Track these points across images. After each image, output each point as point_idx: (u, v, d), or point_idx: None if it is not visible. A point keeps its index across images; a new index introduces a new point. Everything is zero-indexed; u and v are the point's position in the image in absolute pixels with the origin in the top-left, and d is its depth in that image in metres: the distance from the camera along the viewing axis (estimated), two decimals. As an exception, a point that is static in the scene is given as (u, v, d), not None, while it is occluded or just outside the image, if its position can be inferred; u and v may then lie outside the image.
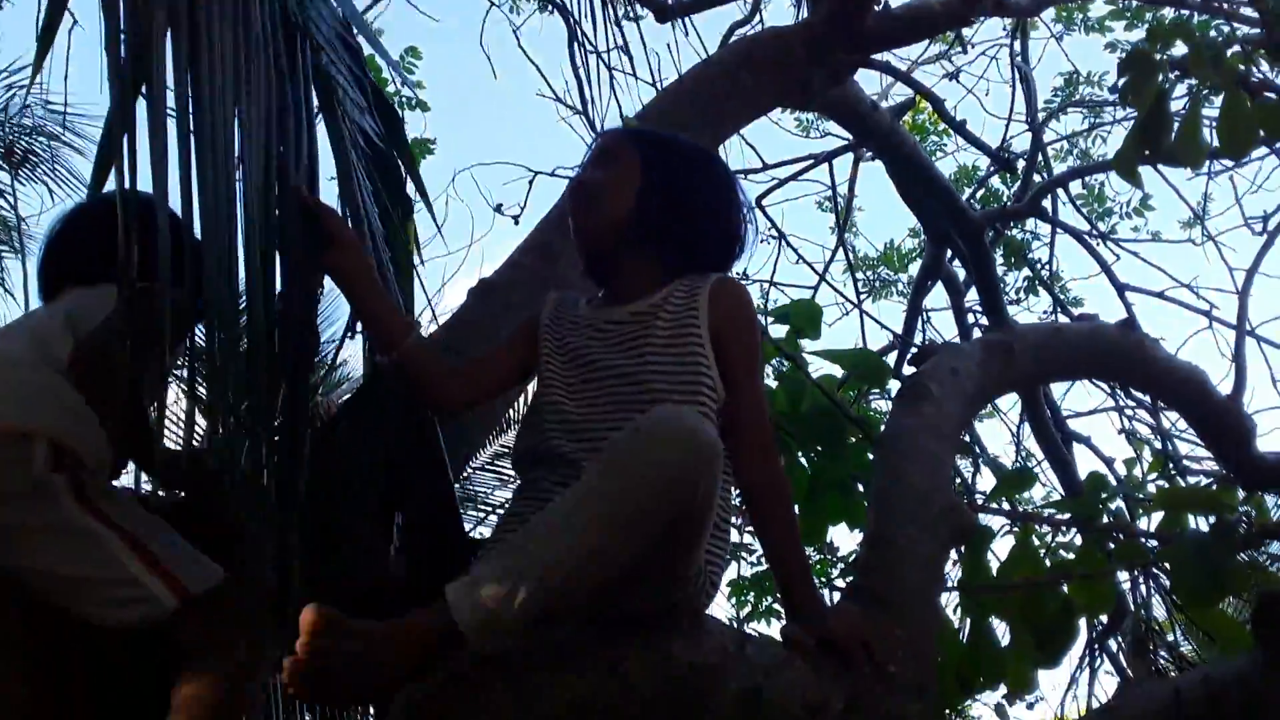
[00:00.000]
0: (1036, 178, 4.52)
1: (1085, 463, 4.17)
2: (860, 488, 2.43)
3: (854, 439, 2.39)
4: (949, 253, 4.33)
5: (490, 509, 6.68)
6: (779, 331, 2.36)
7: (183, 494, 1.87)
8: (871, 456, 2.43)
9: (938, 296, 4.75)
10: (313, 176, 1.74)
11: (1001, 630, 1.99)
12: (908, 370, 2.17)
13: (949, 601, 2.01)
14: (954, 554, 1.99)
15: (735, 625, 1.65)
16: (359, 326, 1.87)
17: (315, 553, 1.59)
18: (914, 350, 2.43)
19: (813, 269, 4.37)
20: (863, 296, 4.82)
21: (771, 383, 2.49)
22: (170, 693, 1.49)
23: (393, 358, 1.75)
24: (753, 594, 4.67)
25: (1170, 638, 3.81)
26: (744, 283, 1.84)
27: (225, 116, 1.42)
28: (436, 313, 2.19)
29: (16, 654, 1.50)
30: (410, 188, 2.17)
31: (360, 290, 1.75)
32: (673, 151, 1.86)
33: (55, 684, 1.52)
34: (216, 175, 1.36)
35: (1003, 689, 1.93)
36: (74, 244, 1.84)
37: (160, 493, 1.82)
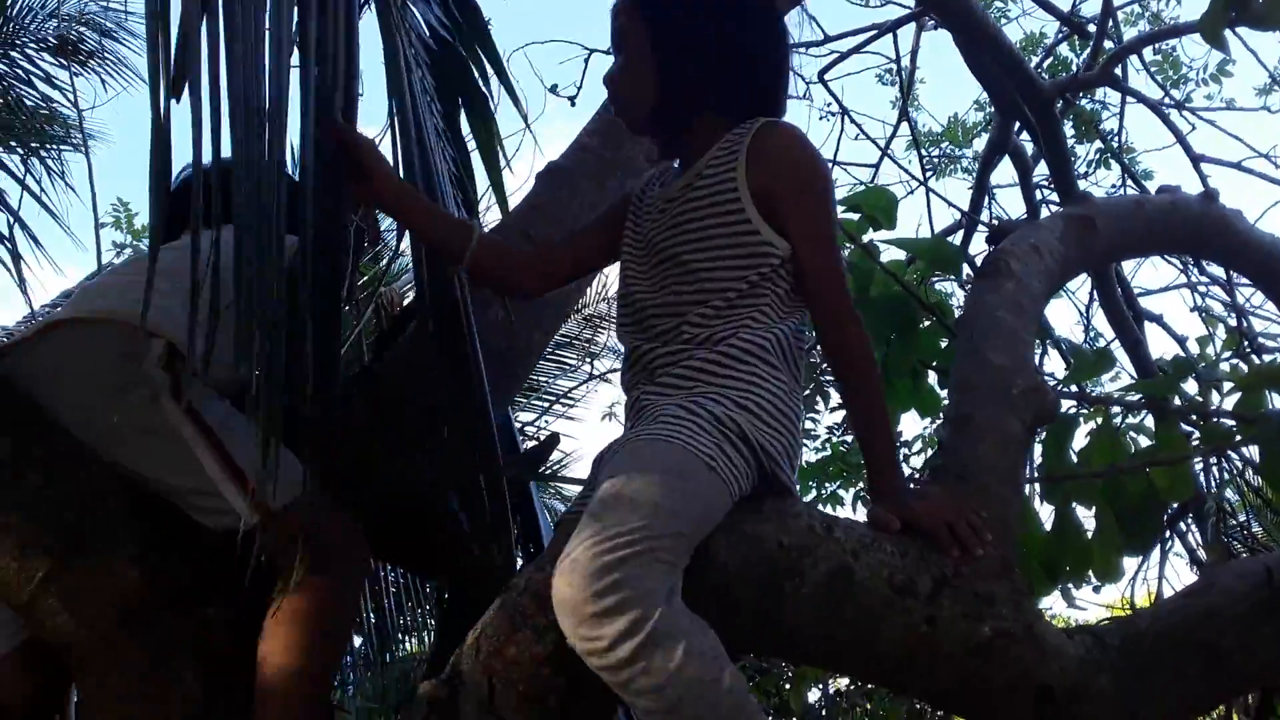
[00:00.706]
0: (1107, 44, 4.35)
1: (1157, 342, 4.09)
2: (931, 375, 2.41)
3: (924, 324, 2.36)
4: (1017, 125, 4.20)
5: (553, 398, 6.78)
6: (850, 219, 2.30)
7: None
8: (943, 342, 2.41)
9: (1004, 172, 4.65)
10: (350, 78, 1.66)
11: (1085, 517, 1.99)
12: (985, 248, 2.12)
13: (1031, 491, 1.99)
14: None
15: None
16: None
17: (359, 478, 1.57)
18: (989, 227, 2.36)
19: (875, 144, 4.26)
20: (928, 174, 4.70)
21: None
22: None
23: (463, 265, 1.73)
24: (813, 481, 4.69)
25: (1240, 519, 3.78)
26: (795, 130, 1.69)
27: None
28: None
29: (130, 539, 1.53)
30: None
31: (406, 217, 1.74)
32: (678, 4, 1.71)
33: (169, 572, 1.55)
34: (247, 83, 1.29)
35: (1090, 577, 1.93)
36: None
37: None
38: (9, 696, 1.58)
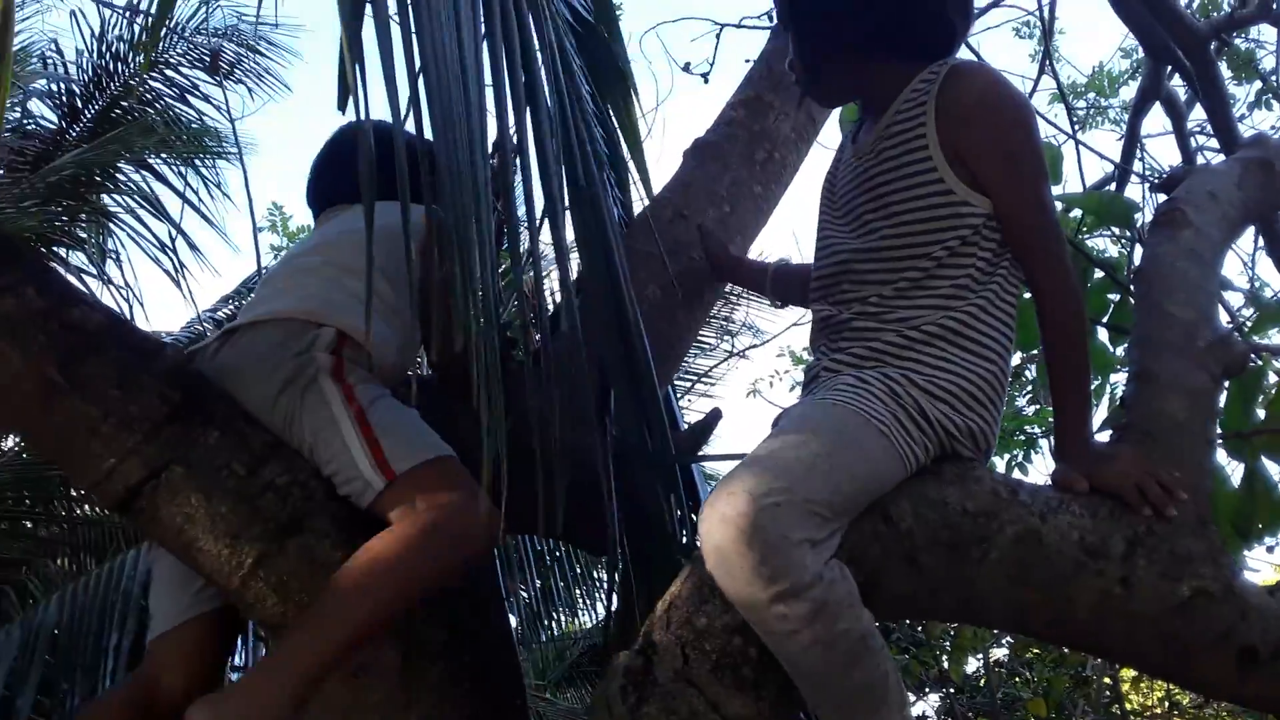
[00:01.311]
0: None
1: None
2: (1101, 331, 2.34)
3: (1095, 280, 2.29)
4: (1169, 70, 4.03)
5: (694, 378, 6.80)
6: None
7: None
8: (1112, 298, 2.33)
9: (1154, 120, 4.46)
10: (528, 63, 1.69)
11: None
12: (1159, 197, 2.04)
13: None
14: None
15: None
16: None
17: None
18: (1160, 178, 2.27)
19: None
20: (1075, 127, 4.54)
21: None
22: None
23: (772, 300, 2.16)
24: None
25: None
26: (992, 73, 1.60)
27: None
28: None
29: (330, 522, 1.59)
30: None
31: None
32: None
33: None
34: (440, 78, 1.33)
35: (1281, 536, 1.85)
36: (331, 169, 2.05)
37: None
38: (189, 657, 1.66)
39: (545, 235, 1.58)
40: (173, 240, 5.03)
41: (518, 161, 1.48)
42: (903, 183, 1.58)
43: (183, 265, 5.01)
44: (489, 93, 1.37)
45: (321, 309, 1.67)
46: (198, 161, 5.39)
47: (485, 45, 1.39)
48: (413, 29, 1.19)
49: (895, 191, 1.59)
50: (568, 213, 1.57)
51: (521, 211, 1.44)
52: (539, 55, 1.57)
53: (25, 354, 1.45)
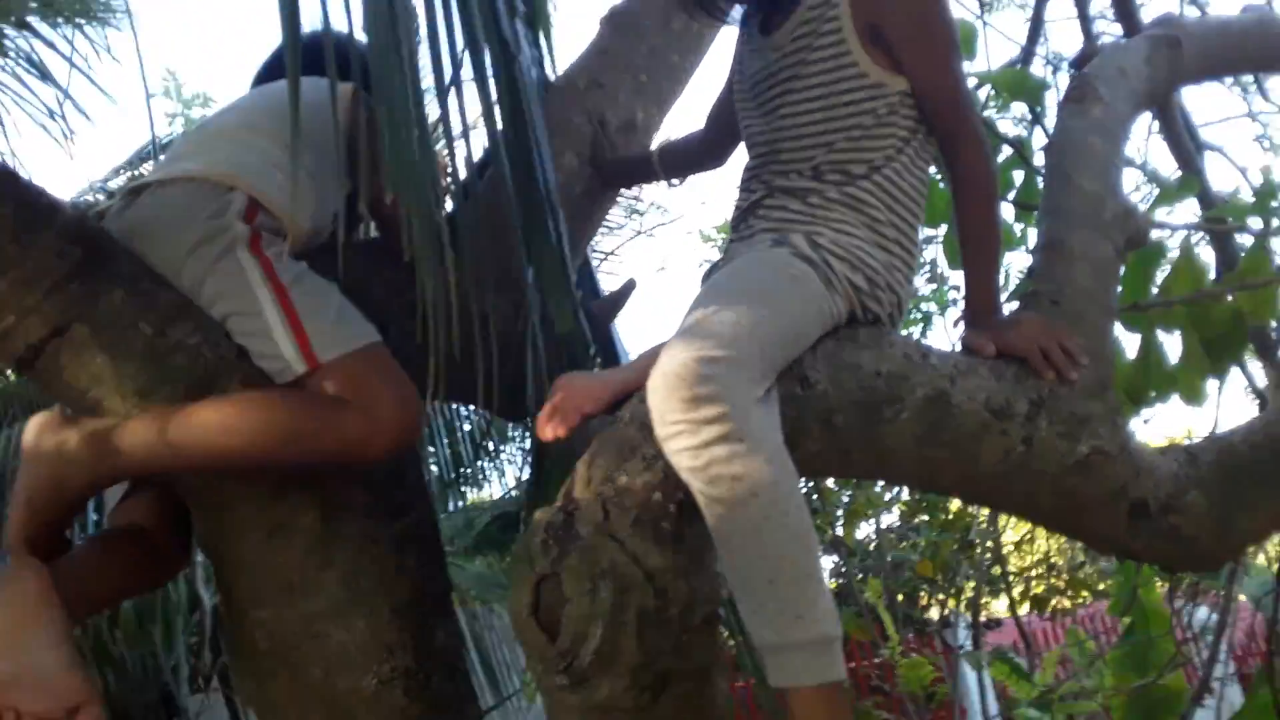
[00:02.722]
0: None
1: (1218, 174, 4.01)
2: (1007, 208, 2.39)
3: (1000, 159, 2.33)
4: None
5: (601, 256, 6.78)
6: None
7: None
8: (1019, 175, 2.38)
9: (1058, 6, 4.48)
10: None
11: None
12: (1068, 80, 2.07)
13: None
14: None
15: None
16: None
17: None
18: (1078, 54, 2.30)
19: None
20: (985, 7, 4.54)
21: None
22: None
23: (666, 180, 2.10)
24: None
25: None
26: None
27: None
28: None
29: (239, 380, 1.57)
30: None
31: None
32: None
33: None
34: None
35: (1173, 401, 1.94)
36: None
37: None
38: (144, 518, 1.65)
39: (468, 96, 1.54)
40: (60, 105, 4.76)
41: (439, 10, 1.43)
42: (817, 67, 1.60)
43: (72, 132, 4.77)
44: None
45: (232, 171, 1.61)
46: (84, 24, 5.08)
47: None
48: None
49: (811, 76, 1.60)
50: (488, 71, 1.52)
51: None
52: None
53: None
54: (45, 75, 4.75)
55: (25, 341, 1.45)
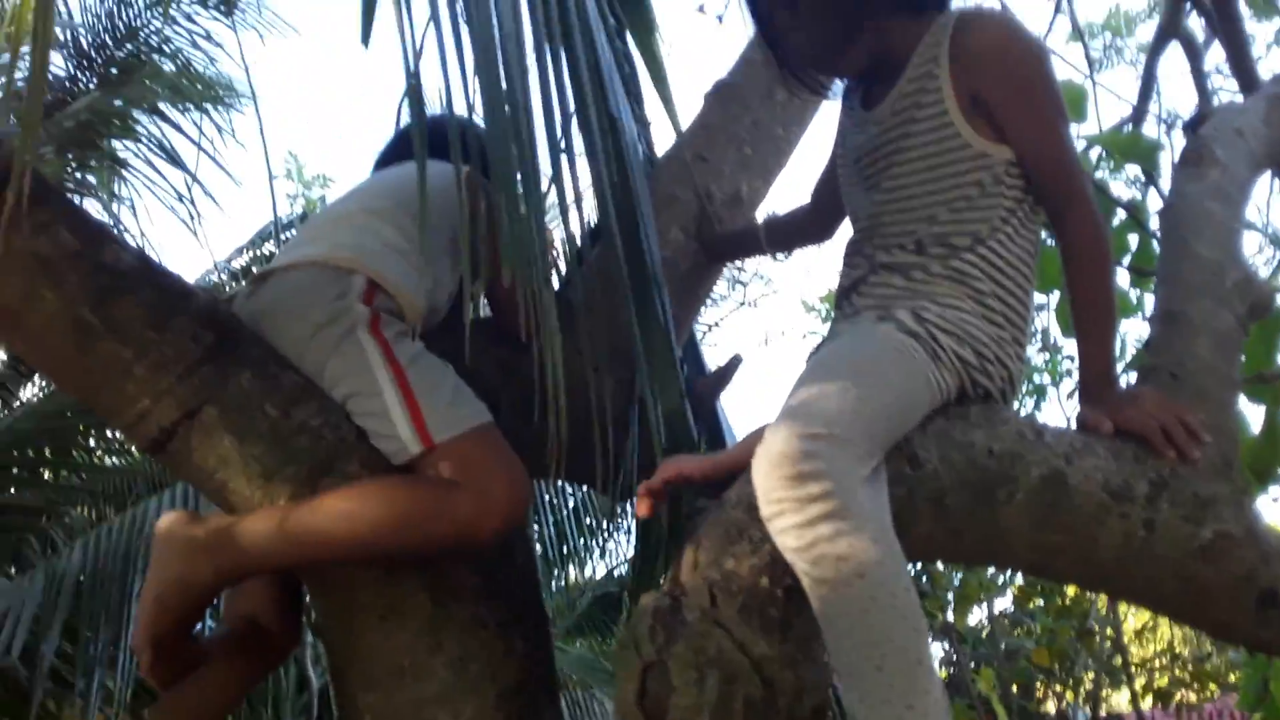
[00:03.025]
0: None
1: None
2: (1122, 273, 2.34)
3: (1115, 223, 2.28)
4: (1187, 7, 3.97)
5: (705, 327, 6.80)
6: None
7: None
8: (1134, 239, 2.33)
9: (1171, 62, 4.39)
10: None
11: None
12: (1182, 139, 2.03)
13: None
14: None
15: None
16: None
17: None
18: (1192, 117, 2.25)
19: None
20: (1092, 67, 4.48)
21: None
22: None
23: (771, 254, 2.21)
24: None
25: None
26: (1005, 17, 1.62)
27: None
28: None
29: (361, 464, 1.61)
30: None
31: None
32: None
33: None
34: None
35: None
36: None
37: None
38: (257, 605, 1.70)
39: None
40: (189, 189, 5.02)
41: (555, 97, 1.48)
42: (919, 139, 1.59)
43: (199, 214, 5.01)
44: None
45: (353, 255, 1.68)
46: (210, 109, 5.36)
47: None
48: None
49: (913, 149, 1.60)
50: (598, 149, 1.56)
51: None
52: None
53: (60, 294, 1.45)
54: (175, 159, 4.99)
55: (159, 424, 1.51)
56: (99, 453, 5.50)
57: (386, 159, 2.09)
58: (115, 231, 1.74)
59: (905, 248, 1.60)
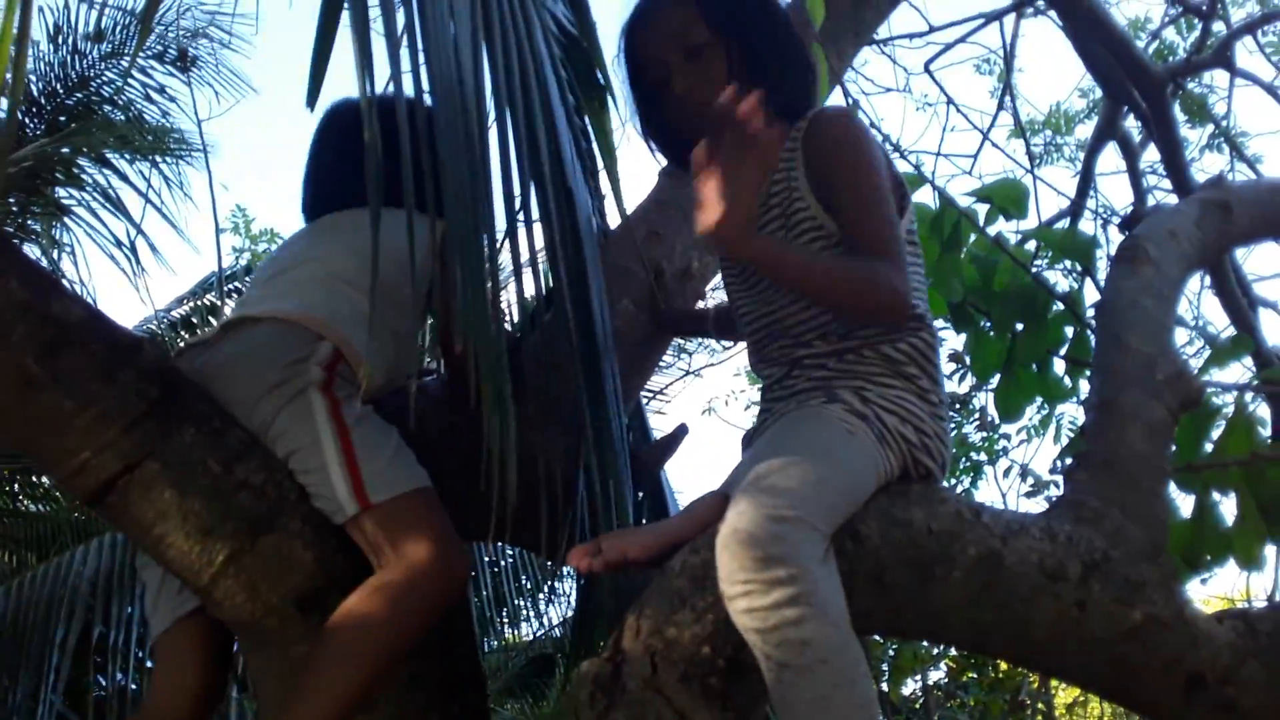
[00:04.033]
0: (1217, 26, 4.26)
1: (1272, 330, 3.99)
2: (1058, 362, 2.41)
3: (1052, 314, 2.35)
4: (1125, 110, 4.14)
5: (649, 394, 6.84)
6: (980, 211, 2.31)
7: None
8: (1070, 330, 2.40)
9: (1109, 160, 4.57)
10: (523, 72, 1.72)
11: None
12: (1119, 235, 2.10)
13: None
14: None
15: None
16: None
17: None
18: (1124, 216, 2.34)
19: (979, 130, 4.21)
20: (1033, 162, 4.64)
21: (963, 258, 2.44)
22: None
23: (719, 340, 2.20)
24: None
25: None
26: (845, 113, 1.71)
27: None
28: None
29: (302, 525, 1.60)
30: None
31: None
32: None
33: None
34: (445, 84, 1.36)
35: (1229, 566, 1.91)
36: (332, 166, 2.01)
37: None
38: (183, 666, 1.67)
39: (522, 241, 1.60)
40: (131, 239, 4.98)
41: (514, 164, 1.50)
42: (793, 235, 1.65)
43: (140, 264, 4.97)
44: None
45: (324, 319, 1.68)
46: (159, 159, 5.34)
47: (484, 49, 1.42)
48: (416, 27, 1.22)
49: (782, 216, 1.66)
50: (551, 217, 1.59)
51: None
52: (531, 61, 1.60)
53: (5, 345, 1.44)
54: (120, 209, 4.96)
55: (99, 477, 1.49)
56: (22, 499, 5.38)
57: (327, 193, 2.01)
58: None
59: (826, 338, 1.64)
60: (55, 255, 5.32)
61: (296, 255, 1.91)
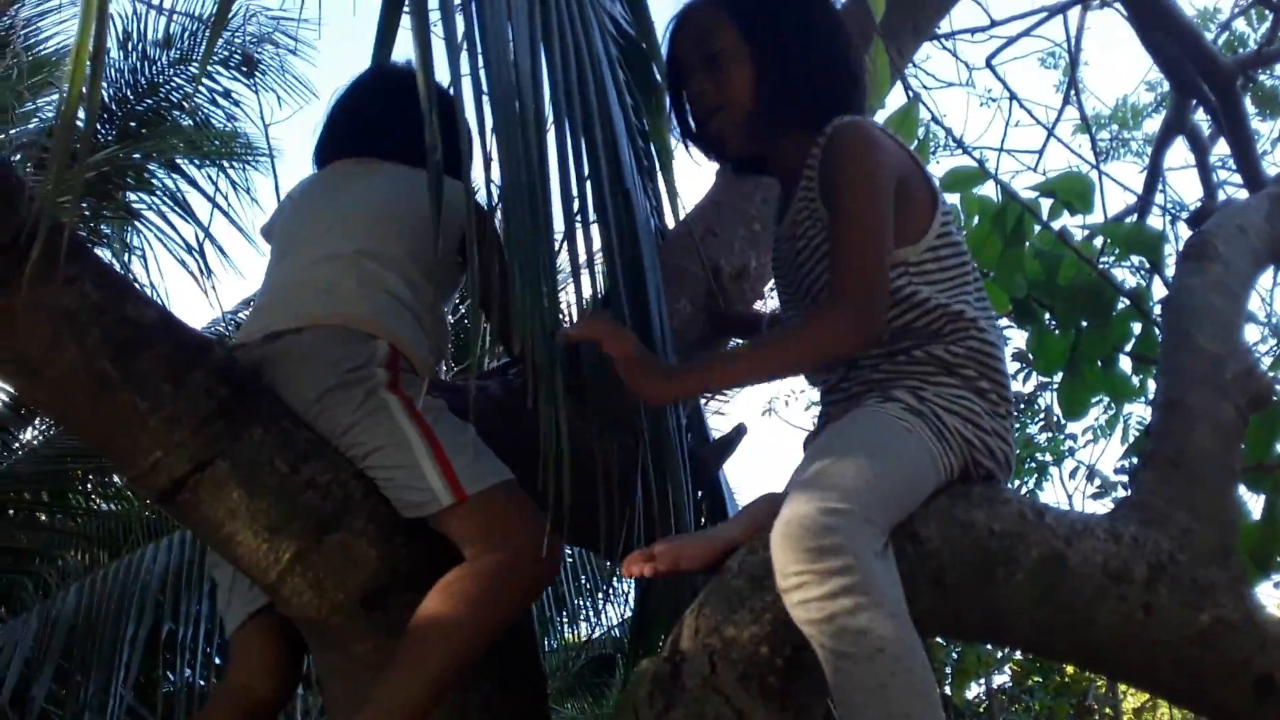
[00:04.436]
0: (1290, 15, 4.15)
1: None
2: (1124, 360, 2.37)
3: (1118, 310, 2.32)
4: (1193, 104, 4.05)
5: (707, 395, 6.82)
6: (1045, 205, 2.28)
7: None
8: (1136, 326, 2.36)
9: (1176, 154, 4.48)
10: (581, 74, 1.72)
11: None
12: (1187, 230, 2.07)
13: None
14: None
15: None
16: None
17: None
18: (1192, 211, 2.30)
19: (1044, 126, 4.13)
20: (1098, 158, 4.56)
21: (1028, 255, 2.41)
22: None
23: None
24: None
25: None
26: (858, 125, 1.64)
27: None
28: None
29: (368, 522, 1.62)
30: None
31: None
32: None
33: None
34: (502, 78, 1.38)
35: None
36: (362, 113, 1.97)
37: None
38: (259, 660, 1.70)
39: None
40: (199, 242, 5.09)
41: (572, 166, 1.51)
42: (820, 251, 1.64)
43: (208, 267, 5.08)
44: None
45: (371, 318, 1.69)
46: (226, 164, 5.45)
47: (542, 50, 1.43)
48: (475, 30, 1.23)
49: (818, 261, 1.65)
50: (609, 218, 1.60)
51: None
52: (589, 63, 1.61)
53: (81, 346, 1.48)
54: (188, 212, 5.07)
55: (170, 475, 1.53)
56: (95, 498, 5.51)
57: (343, 141, 1.96)
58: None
59: (879, 341, 1.60)
60: (126, 258, 5.46)
61: (319, 224, 1.84)
